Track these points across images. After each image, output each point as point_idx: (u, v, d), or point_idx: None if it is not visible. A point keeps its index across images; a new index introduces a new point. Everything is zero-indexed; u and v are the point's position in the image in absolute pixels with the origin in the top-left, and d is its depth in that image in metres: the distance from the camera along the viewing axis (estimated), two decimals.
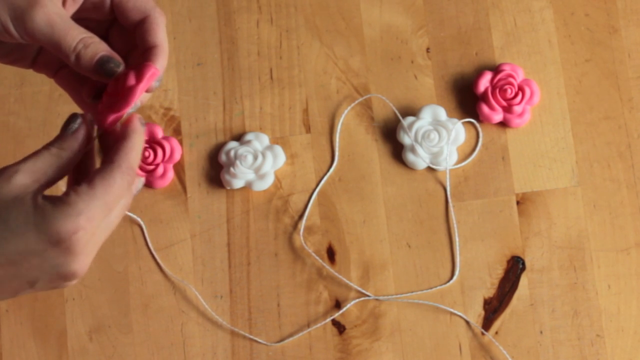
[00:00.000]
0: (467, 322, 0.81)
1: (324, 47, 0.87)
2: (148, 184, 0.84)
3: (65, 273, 0.49)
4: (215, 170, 0.85)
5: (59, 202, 0.48)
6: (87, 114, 0.53)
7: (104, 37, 0.56)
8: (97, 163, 0.53)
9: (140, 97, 0.52)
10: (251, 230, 0.84)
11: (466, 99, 0.85)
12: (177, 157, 0.85)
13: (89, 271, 0.83)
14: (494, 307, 0.82)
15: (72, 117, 0.52)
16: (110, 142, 0.52)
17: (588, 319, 0.81)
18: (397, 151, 0.84)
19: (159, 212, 0.84)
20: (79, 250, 0.49)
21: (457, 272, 0.82)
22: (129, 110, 0.52)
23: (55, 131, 0.53)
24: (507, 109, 0.83)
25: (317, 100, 0.86)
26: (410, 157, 0.84)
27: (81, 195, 0.49)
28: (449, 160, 0.83)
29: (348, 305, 0.82)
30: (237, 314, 0.83)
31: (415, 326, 0.82)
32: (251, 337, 0.82)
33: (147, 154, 0.83)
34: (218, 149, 0.85)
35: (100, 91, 0.54)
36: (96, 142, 0.54)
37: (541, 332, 0.81)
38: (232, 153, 0.84)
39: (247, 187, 0.84)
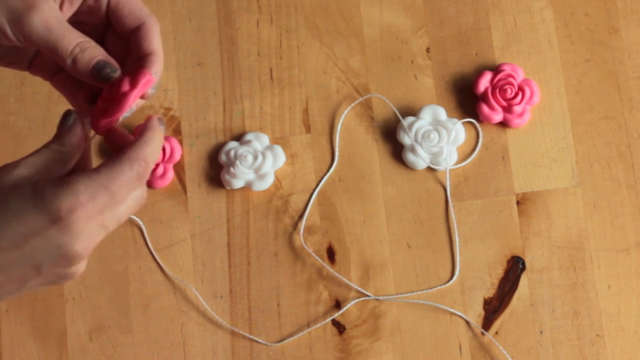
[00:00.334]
0: (467, 322, 0.81)
1: (324, 47, 0.87)
2: (148, 184, 0.84)
3: (68, 254, 0.49)
4: (215, 170, 0.85)
5: (59, 181, 0.48)
6: (82, 116, 0.53)
7: (101, 42, 0.56)
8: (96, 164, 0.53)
9: (136, 102, 0.52)
10: (251, 230, 0.84)
11: (466, 99, 0.85)
12: (177, 157, 0.85)
13: (89, 271, 0.83)
14: (494, 307, 0.82)
15: (67, 114, 0.52)
16: (115, 141, 0.52)
17: (588, 319, 0.81)
18: (397, 151, 0.84)
19: (159, 212, 0.84)
20: (80, 230, 0.48)
21: (457, 272, 0.82)
22: (123, 115, 0.52)
23: (55, 131, 0.53)
24: (507, 109, 0.83)
25: (317, 100, 0.86)
26: (410, 157, 0.83)
27: (83, 178, 0.49)
28: (449, 160, 0.83)
29: (348, 305, 0.82)
30: (237, 314, 0.83)
31: (415, 326, 0.82)
32: (251, 337, 0.82)
33: None
34: (218, 149, 0.85)
35: (96, 95, 0.54)
36: (95, 142, 0.54)
37: (541, 332, 0.81)
38: (232, 153, 0.84)
39: (247, 187, 0.84)
